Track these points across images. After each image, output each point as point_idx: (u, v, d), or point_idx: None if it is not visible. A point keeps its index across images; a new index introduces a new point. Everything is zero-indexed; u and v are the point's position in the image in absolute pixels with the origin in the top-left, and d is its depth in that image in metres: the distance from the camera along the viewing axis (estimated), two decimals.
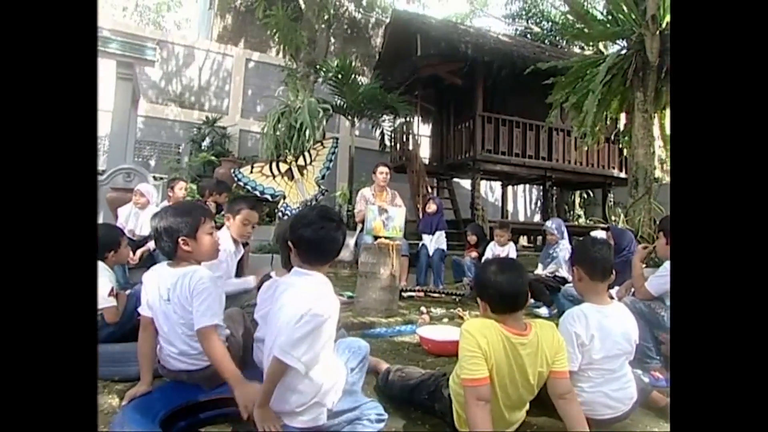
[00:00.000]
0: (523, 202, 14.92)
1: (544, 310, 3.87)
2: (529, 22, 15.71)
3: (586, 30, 5.92)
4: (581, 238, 2.16)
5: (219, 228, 4.07)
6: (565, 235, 4.46)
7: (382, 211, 4.47)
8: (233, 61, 11.47)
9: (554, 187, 10.10)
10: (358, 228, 4.75)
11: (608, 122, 6.34)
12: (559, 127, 9.03)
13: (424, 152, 10.94)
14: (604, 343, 1.74)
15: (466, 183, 11.46)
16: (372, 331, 3.01)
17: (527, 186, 13.97)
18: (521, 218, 14.23)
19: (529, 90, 8.53)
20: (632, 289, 2.68)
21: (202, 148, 9.41)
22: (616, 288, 2.91)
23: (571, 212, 13.12)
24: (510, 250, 4.47)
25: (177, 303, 1.65)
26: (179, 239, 1.69)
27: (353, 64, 8.73)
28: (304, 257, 1.56)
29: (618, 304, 1.93)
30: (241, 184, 5.69)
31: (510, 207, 13.11)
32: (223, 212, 4.54)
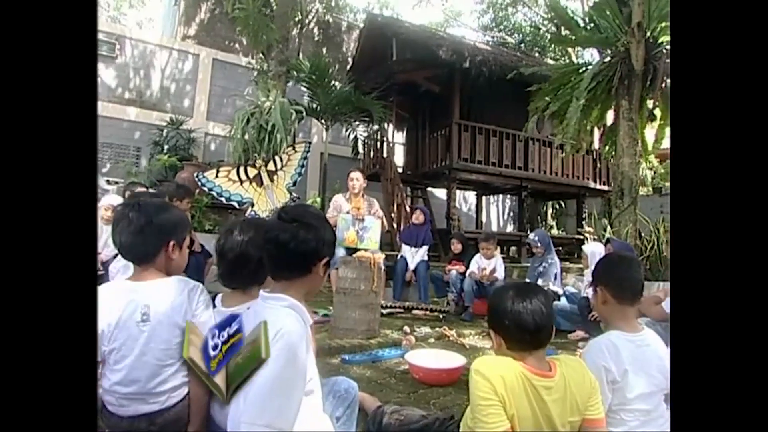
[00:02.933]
0: (496, 212, 14.88)
1: None
2: (502, 32, 15.83)
3: (570, 36, 5.80)
4: (607, 255, 1.90)
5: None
6: (551, 247, 4.26)
7: (357, 221, 4.15)
8: (199, 60, 10.93)
9: (529, 198, 10.01)
10: None
11: (588, 131, 6.22)
12: (535, 136, 8.94)
13: (399, 160, 10.67)
14: (638, 378, 1.48)
15: (440, 192, 11.26)
16: (352, 357, 2.66)
17: (500, 196, 13.94)
18: (494, 228, 14.16)
19: (506, 98, 8.43)
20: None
21: (164, 151, 8.82)
22: None
23: (544, 223, 13.14)
24: (497, 264, 4.20)
25: (163, 322, 1.28)
26: (170, 242, 1.38)
27: (327, 65, 8.40)
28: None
29: (649, 330, 1.67)
30: (206, 189, 5.24)
31: (483, 217, 13.00)
32: None
